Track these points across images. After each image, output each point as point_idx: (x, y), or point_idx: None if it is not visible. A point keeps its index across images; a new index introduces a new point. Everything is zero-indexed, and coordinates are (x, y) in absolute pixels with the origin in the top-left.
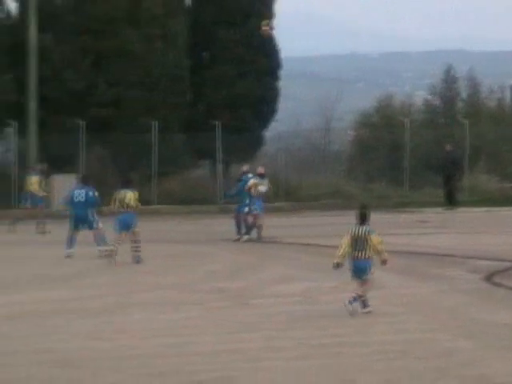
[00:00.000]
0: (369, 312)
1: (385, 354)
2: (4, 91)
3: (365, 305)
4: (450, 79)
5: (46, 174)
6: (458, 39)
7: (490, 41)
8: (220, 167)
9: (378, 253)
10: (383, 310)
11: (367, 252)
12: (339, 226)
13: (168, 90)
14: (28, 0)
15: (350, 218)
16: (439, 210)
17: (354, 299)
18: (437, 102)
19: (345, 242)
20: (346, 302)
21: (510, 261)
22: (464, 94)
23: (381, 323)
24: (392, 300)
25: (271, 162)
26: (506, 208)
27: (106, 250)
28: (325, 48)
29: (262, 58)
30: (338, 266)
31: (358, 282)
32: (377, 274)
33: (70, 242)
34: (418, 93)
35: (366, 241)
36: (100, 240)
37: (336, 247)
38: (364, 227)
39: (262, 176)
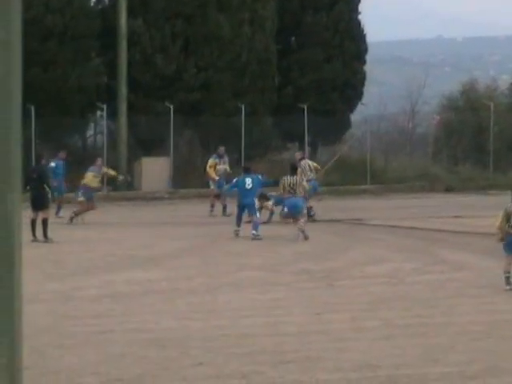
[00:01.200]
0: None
1: (469, 334)
2: (95, 75)
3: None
4: None
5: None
6: None
7: None
8: (308, 150)
9: None
10: (468, 291)
11: None
12: (425, 209)
13: (256, 74)
14: None
15: (435, 200)
16: None
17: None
18: None
19: (501, 216)
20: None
21: None
22: None
23: (466, 304)
24: (477, 281)
25: (358, 145)
26: None
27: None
28: (412, 32)
29: (349, 43)
30: (501, 240)
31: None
32: (460, 255)
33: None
34: (503, 77)
35: None
36: (256, 226)
37: (423, 230)
38: None
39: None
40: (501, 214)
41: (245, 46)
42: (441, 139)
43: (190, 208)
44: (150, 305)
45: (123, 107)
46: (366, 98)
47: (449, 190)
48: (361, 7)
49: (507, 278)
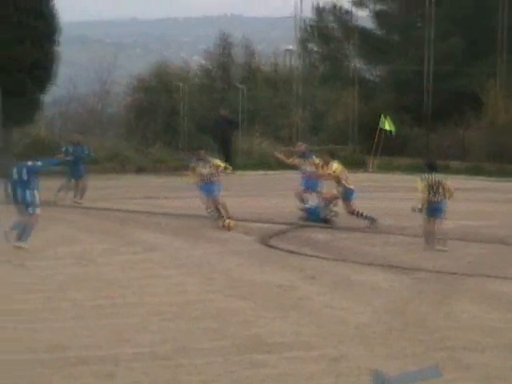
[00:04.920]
0: None
1: (160, 314)
2: None
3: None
4: (225, 45)
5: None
6: (230, 5)
7: (260, 7)
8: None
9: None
10: (160, 272)
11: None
12: (117, 190)
13: None
14: None
15: (127, 181)
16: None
17: None
18: (212, 66)
19: (422, 187)
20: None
21: (284, 223)
22: (239, 60)
23: (157, 285)
24: (169, 262)
25: (49, 127)
26: (280, 171)
27: None
28: (106, 14)
29: (39, 22)
30: (419, 210)
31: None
32: (153, 236)
33: None
34: (194, 58)
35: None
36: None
37: (116, 211)
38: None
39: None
40: (421, 185)
41: None
42: (132, 120)
43: None
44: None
45: None
46: (58, 79)
47: (140, 171)
48: None
49: (426, 240)
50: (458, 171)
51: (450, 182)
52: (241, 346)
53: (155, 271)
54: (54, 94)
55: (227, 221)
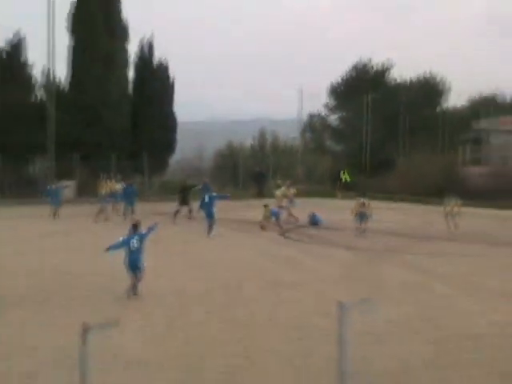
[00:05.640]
0: None
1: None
2: None
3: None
4: (262, 134)
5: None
6: (258, 112)
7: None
8: None
9: None
10: (229, 249)
11: None
12: None
13: None
14: None
15: None
16: None
17: None
18: (257, 146)
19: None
20: None
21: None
22: (269, 141)
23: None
24: (237, 244)
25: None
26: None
27: None
28: None
29: (167, 121)
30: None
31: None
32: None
33: None
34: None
35: None
36: None
37: None
38: None
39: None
40: (355, 203)
41: None
42: (215, 171)
43: None
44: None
45: None
46: (177, 151)
47: None
48: None
49: (356, 233)
50: (380, 198)
51: (371, 203)
52: (269, 283)
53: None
54: (175, 158)
55: (260, 224)
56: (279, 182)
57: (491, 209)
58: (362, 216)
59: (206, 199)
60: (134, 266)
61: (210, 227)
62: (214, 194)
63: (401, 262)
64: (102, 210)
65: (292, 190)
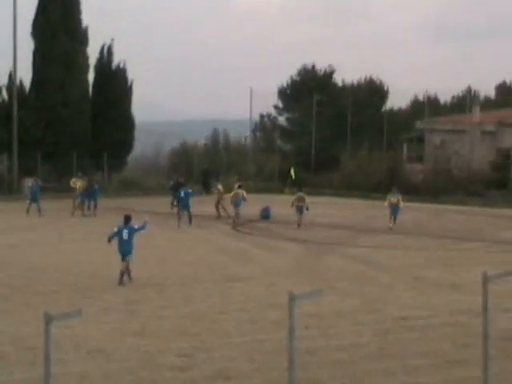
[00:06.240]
0: None
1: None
2: None
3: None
4: (215, 134)
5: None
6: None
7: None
8: None
9: None
10: (184, 243)
11: None
12: None
13: None
14: None
15: None
16: None
17: None
18: (209, 144)
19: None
20: None
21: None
22: (222, 140)
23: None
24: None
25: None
26: None
27: None
28: None
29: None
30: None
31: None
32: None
33: None
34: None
35: None
36: None
37: None
38: None
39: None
40: (293, 197)
41: None
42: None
43: None
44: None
45: None
46: (135, 150)
47: None
48: None
49: (298, 226)
50: (326, 194)
51: (308, 197)
52: (223, 276)
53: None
54: (133, 156)
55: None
56: (235, 178)
57: (431, 204)
58: (300, 209)
59: (182, 194)
60: (124, 254)
61: (190, 219)
62: (190, 190)
63: (346, 254)
64: (78, 206)
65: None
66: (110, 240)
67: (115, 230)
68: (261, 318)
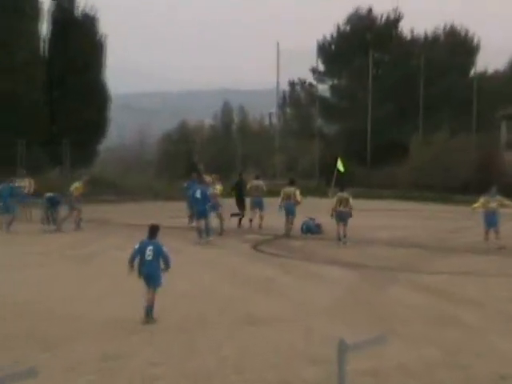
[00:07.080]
0: None
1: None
2: None
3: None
4: (226, 111)
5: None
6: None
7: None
8: None
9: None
10: (184, 268)
11: None
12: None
13: None
14: None
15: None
16: None
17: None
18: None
19: (335, 201)
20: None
21: (268, 234)
22: (236, 120)
23: (184, 276)
24: (190, 260)
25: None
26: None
27: None
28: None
29: (97, 95)
30: (331, 216)
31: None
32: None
33: None
34: (206, 120)
35: None
36: None
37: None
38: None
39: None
40: (335, 199)
41: None
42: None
43: None
44: None
45: None
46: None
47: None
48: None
49: (339, 240)
50: (387, 197)
51: (354, 200)
52: (239, 319)
53: (181, 268)
54: (107, 144)
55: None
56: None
57: None
58: (342, 216)
59: (198, 195)
60: (149, 280)
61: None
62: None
63: (416, 283)
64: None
65: (218, 187)
66: (131, 264)
67: (136, 246)
68: (294, 378)
